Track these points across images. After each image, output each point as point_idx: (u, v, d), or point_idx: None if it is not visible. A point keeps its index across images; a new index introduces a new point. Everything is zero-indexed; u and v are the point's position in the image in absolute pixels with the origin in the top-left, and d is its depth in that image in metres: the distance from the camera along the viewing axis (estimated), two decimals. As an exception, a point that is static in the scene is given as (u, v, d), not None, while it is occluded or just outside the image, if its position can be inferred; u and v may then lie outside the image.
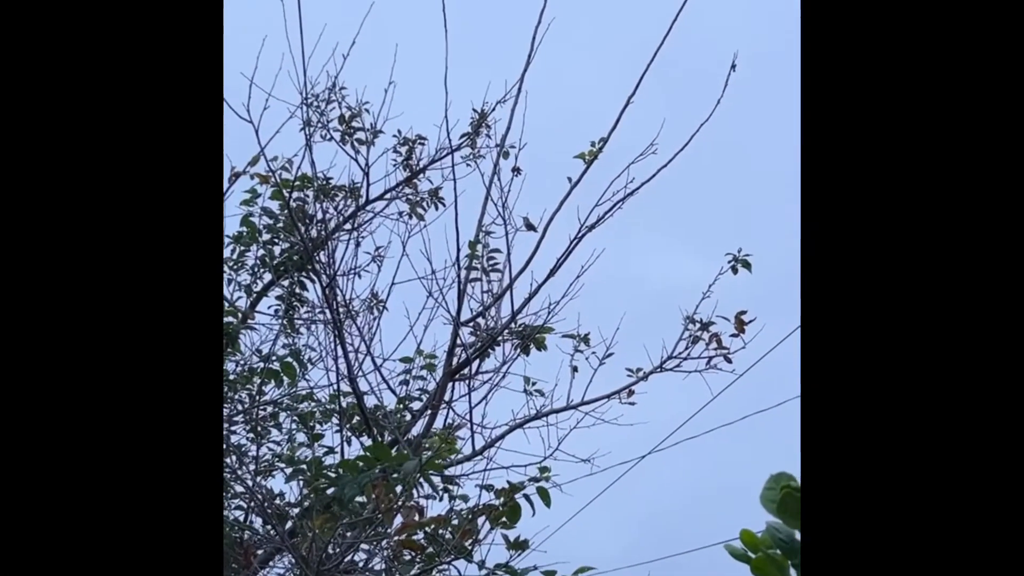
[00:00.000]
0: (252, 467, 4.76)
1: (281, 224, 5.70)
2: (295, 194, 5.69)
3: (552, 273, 5.84)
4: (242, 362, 5.28)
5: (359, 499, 3.93)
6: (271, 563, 4.83)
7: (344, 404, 5.43)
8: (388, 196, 6.12)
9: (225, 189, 5.40)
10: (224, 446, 4.48)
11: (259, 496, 4.52)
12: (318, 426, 5.37)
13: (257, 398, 5.15)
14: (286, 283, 5.72)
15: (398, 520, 3.86)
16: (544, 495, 4.29)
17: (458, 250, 5.73)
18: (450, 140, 5.93)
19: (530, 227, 5.91)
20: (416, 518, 3.84)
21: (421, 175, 6.17)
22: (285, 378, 5.14)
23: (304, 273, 5.70)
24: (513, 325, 5.82)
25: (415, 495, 3.87)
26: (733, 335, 5.70)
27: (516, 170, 5.93)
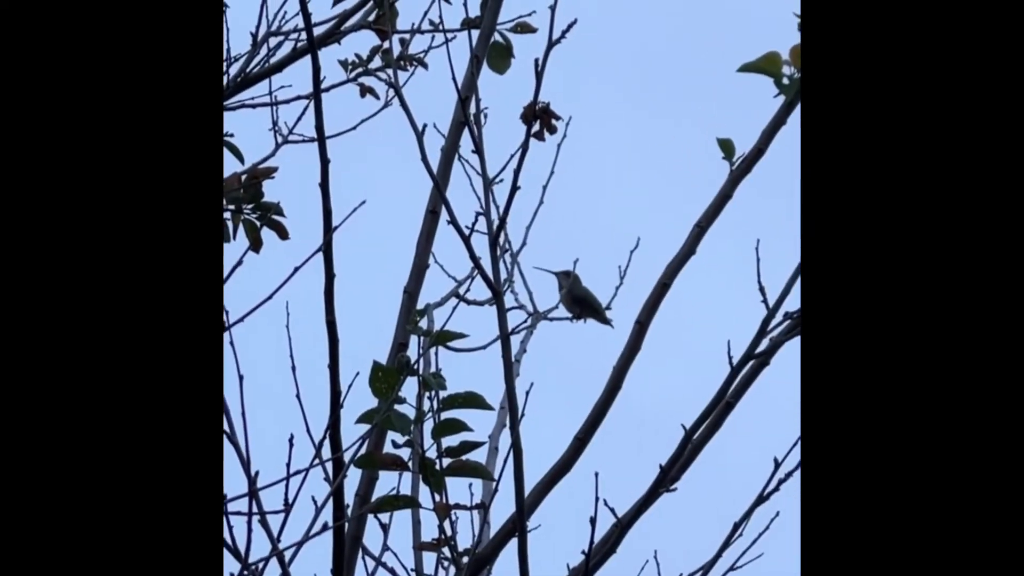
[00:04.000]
0: None
1: None
2: None
3: (660, 490, 1.69)
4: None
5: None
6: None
7: None
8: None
9: None
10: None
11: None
12: None
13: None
14: None
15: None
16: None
17: (333, 401, 1.56)
18: (307, 13, 1.69)
19: (580, 313, 1.88)
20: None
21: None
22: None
23: None
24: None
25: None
26: None
27: (541, 119, 1.73)
